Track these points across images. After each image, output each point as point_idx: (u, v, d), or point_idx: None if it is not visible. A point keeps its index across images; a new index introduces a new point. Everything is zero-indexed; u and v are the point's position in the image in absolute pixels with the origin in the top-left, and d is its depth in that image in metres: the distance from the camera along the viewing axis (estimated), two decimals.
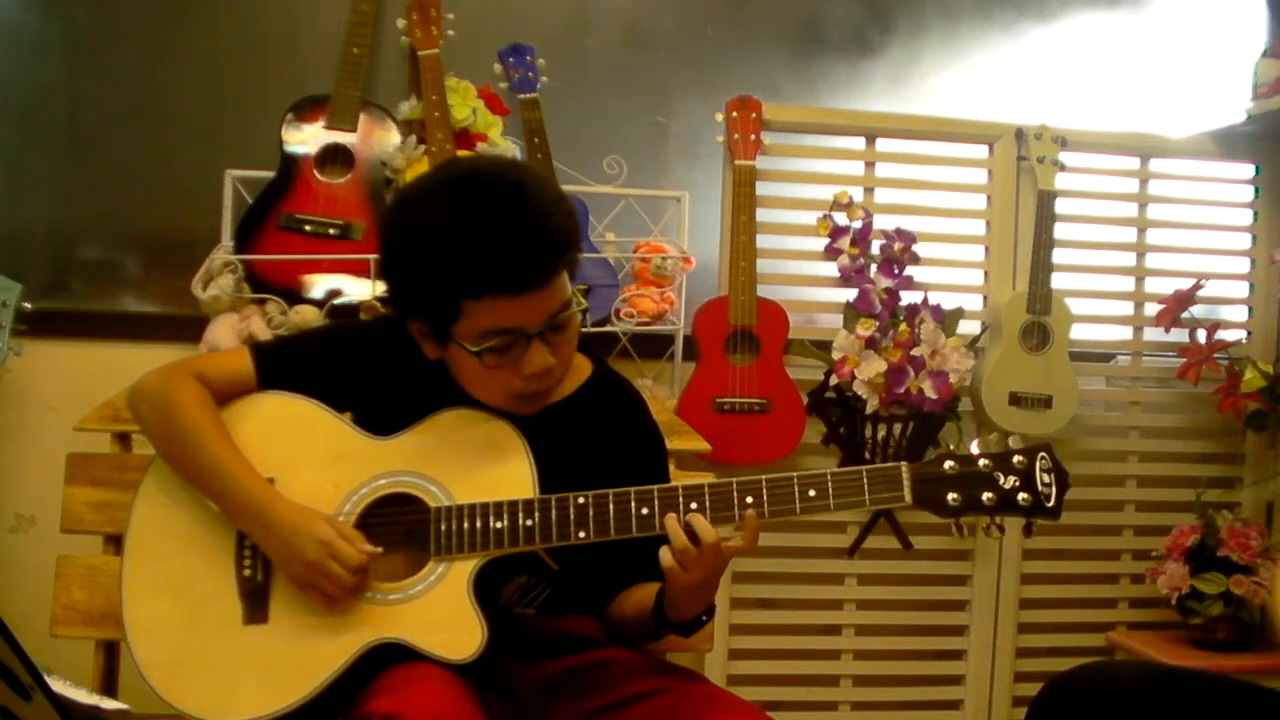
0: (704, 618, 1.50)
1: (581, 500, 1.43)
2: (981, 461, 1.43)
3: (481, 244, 1.38)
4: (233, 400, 1.55)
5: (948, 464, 1.43)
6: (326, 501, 1.49)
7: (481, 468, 1.48)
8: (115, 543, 1.75)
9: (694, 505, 1.42)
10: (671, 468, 1.71)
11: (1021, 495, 1.42)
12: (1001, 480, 1.42)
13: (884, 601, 2.76)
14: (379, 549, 1.45)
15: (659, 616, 1.49)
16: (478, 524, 1.44)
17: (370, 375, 1.57)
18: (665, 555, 1.39)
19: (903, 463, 1.43)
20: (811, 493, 1.42)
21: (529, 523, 1.43)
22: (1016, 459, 1.43)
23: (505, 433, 1.49)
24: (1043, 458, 1.43)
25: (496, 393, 1.49)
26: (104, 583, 1.75)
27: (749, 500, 1.41)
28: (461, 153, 2.50)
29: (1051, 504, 1.42)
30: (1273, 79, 2.69)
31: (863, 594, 2.75)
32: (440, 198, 1.42)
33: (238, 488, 1.48)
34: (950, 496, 1.42)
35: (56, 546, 1.84)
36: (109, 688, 1.78)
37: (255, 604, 1.48)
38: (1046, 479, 1.42)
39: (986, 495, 1.42)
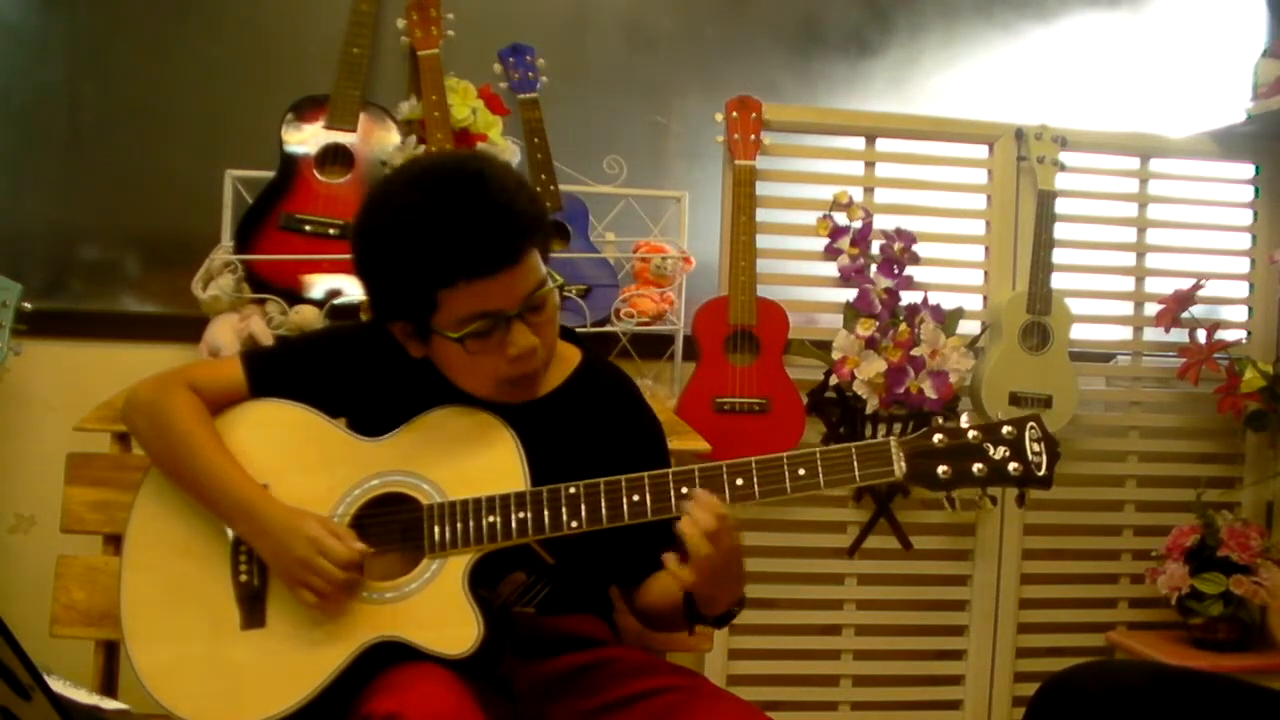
0: (735, 609, 1.51)
1: (572, 490, 1.43)
2: (971, 433, 1.42)
3: (448, 232, 1.39)
4: (225, 409, 1.56)
5: (937, 437, 1.42)
6: (320, 505, 1.49)
7: (472, 463, 1.48)
8: (115, 543, 1.75)
9: (684, 490, 1.42)
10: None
11: (1012, 465, 1.41)
12: (991, 451, 1.41)
13: (884, 601, 2.76)
14: (370, 549, 1.45)
15: (690, 611, 1.49)
16: (470, 519, 1.44)
17: (362, 378, 1.58)
18: (673, 562, 1.38)
19: (891, 438, 1.42)
20: (801, 471, 1.41)
21: (521, 515, 1.44)
22: (1006, 429, 1.42)
23: (494, 427, 1.50)
24: (1032, 427, 1.42)
25: (485, 380, 1.50)
26: (104, 583, 1.75)
27: (739, 482, 1.41)
28: None
29: (1043, 473, 1.41)
30: (1273, 79, 2.69)
31: (863, 594, 2.75)
32: (403, 195, 1.43)
33: (231, 493, 1.48)
34: (941, 469, 1.40)
35: (56, 546, 1.84)
36: (109, 688, 1.78)
37: (252, 609, 1.48)
38: (1036, 448, 1.41)
39: (977, 467, 1.41)
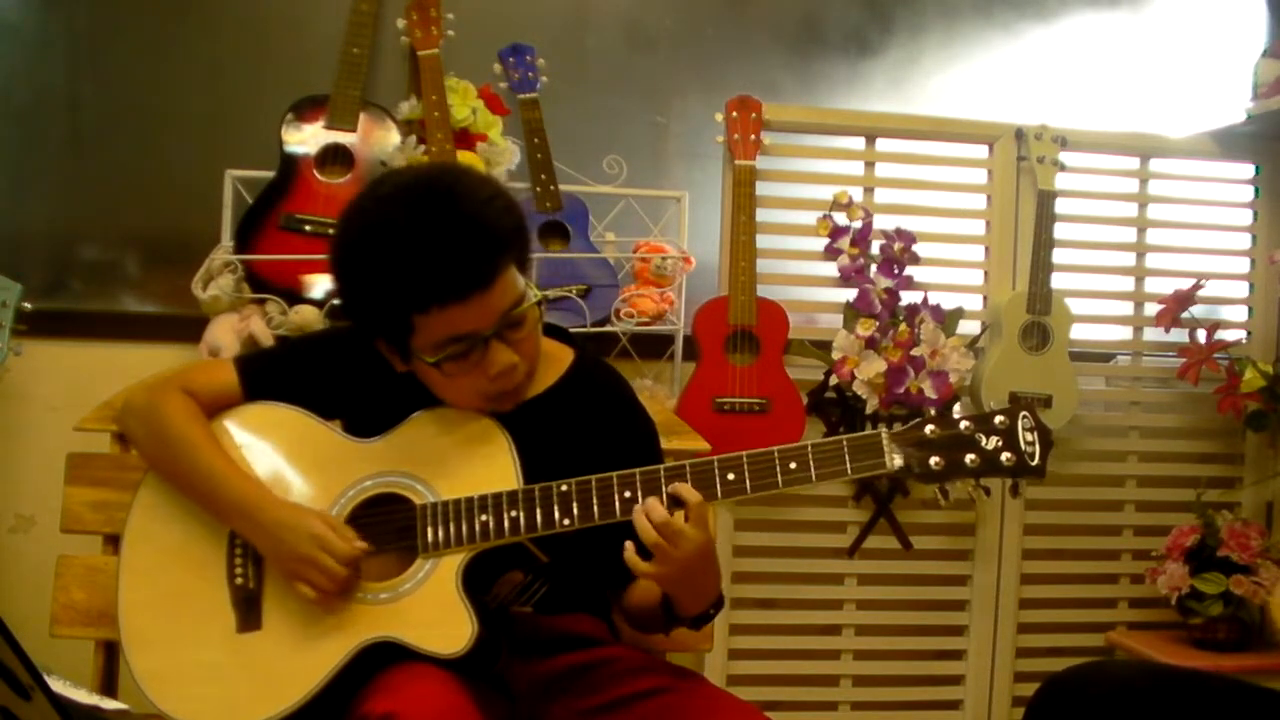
0: (712, 611, 1.50)
1: (565, 488, 1.43)
2: (963, 424, 1.40)
3: (417, 258, 1.37)
4: (220, 412, 1.56)
5: (929, 428, 1.40)
6: (315, 506, 1.49)
7: (465, 463, 1.48)
8: (115, 543, 1.75)
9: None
10: None
11: (1005, 455, 1.39)
12: (984, 441, 1.39)
13: (884, 601, 2.76)
14: (370, 546, 1.45)
15: (667, 612, 1.49)
16: (463, 518, 1.44)
17: (356, 380, 1.57)
18: (629, 553, 1.38)
19: (882, 428, 1.41)
20: (793, 465, 1.40)
21: (514, 514, 1.43)
22: (998, 419, 1.40)
23: (488, 427, 1.50)
24: (1024, 417, 1.40)
25: (467, 398, 1.49)
26: (104, 583, 1.75)
27: (730, 477, 1.40)
28: (461, 153, 2.50)
29: (1036, 462, 1.39)
30: (1273, 79, 2.69)
31: (863, 594, 2.75)
32: (372, 218, 1.42)
33: (230, 491, 1.48)
34: (933, 460, 1.39)
35: (56, 546, 1.84)
36: (109, 688, 1.78)
37: (248, 611, 1.48)
38: (1029, 438, 1.39)
39: (969, 457, 1.39)
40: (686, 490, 1.39)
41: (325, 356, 1.60)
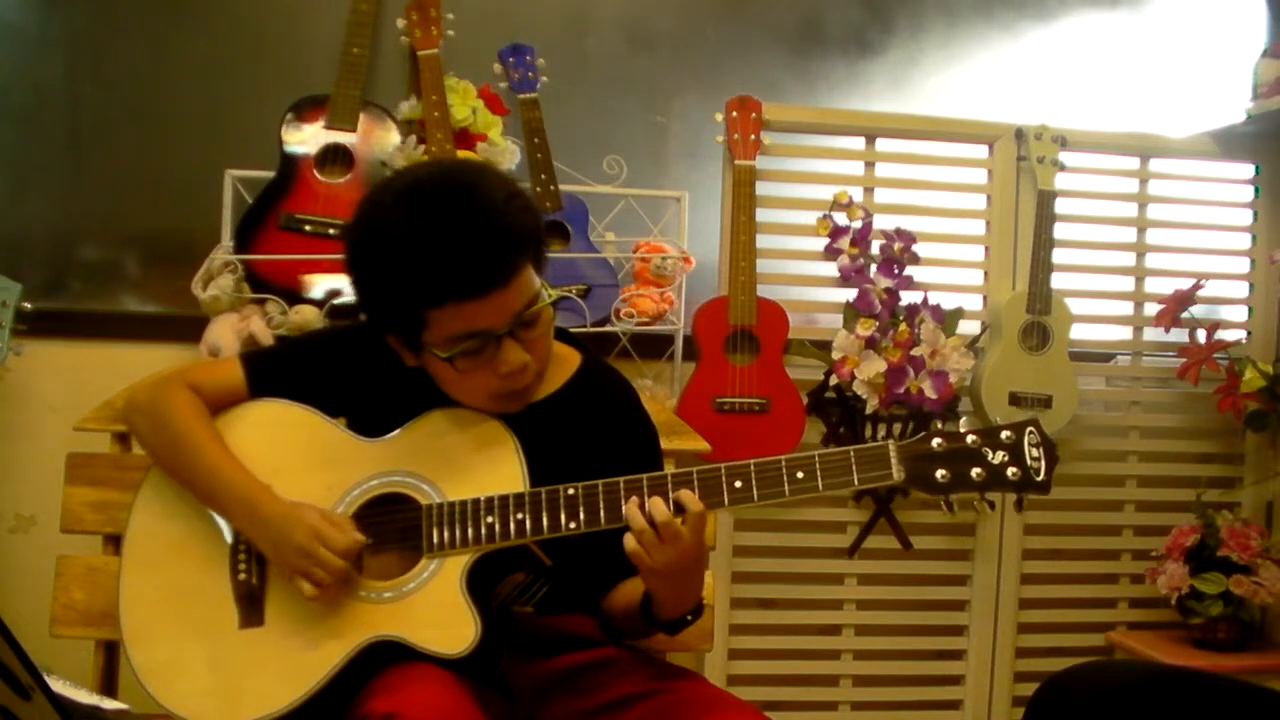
0: (689, 618, 1.50)
1: (571, 492, 1.43)
2: (969, 438, 1.41)
3: (436, 253, 1.37)
4: (225, 409, 1.56)
5: (936, 441, 1.41)
6: (320, 504, 1.49)
7: (472, 465, 1.48)
8: (115, 543, 1.75)
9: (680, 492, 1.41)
10: (671, 467, 1.71)
11: (1011, 470, 1.40)
12: (990, 456, 1.41)
13: (884, 601, 2.76)
14: (368, 539, 1.45)
15: (646, 613, 1.50)
16: (469, 519, 1.44)
17: (361, 378, 1.58)
18: (629, 540, 1.39)
19: (890, 441, 1.42)
20: (799, 474, 1.41)
21: (519, 516, 1.43)
22: (1004, 434, 1.41)
23: (495, 429, 1.50)
24: (1030, 432, 1.42)
25: (477, 395, 1.50)
26: (104, 583, 1.74)
27: (737, 485, 1.41)
28: (461, 152, 2.50)
29: (1041, 478, 1.41)
30: (1273, 79, 2.69)
31: (863, 594, 2.75)
32: (392, 211, 1.42)
33: (232, 488, 1.49)
34: (939, 473, 1.40)
35: (56, 546, 1.83)
36: (109, 688, 1.78)
37: (251, 608, 1.48)
38: (1035, 453, 1.41)
39: (975, 471, 1.40)
40: (690, 498, 1.39)
41: (331, 354, 1.60)
